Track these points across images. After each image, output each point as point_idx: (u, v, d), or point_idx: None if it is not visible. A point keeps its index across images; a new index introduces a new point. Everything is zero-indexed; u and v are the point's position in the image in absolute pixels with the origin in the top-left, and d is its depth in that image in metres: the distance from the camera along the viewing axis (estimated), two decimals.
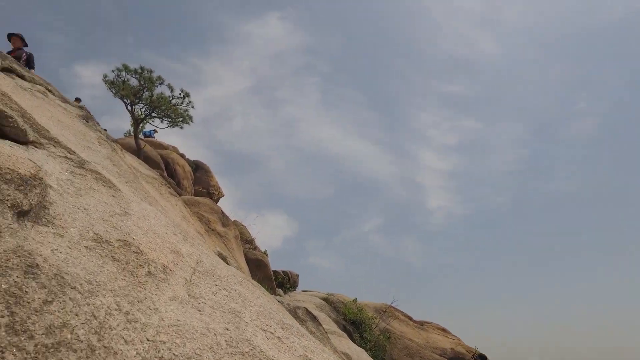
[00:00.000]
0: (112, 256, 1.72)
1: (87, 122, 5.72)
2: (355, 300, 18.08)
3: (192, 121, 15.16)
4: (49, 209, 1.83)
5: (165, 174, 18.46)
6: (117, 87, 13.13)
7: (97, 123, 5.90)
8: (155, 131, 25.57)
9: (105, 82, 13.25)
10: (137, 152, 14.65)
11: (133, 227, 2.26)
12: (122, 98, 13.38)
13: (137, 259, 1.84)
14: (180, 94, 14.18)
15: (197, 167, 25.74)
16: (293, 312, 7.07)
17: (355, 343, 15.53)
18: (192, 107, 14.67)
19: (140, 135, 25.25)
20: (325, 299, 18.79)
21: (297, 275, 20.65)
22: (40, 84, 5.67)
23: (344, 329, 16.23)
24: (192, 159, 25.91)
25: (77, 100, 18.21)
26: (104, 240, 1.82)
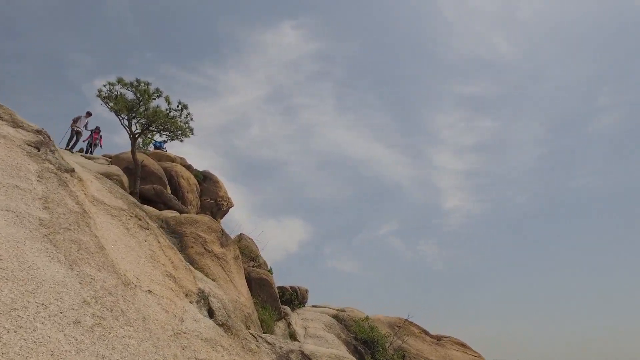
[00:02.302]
0: None
1: (39, 150, 5.02)
2: (367, 318, 17.08)
3: (192, 134, 14.50)
4: None
5: (167, 189, 17.88)
6: (112, 101, 12.58)
7: (52, 150, 5.18)
8: (165, 142, 25.15)
9: (100, 96, 12.72)
10: (135, 167, 14.07)
11: None
12: (116, 113, 12.80)
13: None
14: (178, 106, 13.54)
15: (205, 178, 25.20)
16: (285, 358, 6.22)
17: None
18: (192, 119, 14.00)
19: (151, 147, 24.84)
20: (336, 316, 17.87)
21: (307, 290, 19.75)
22: None
23: (355, 350, 15.30)
24: (201, 169, 25.36)
25: (88, 114, 17.76)
26: None
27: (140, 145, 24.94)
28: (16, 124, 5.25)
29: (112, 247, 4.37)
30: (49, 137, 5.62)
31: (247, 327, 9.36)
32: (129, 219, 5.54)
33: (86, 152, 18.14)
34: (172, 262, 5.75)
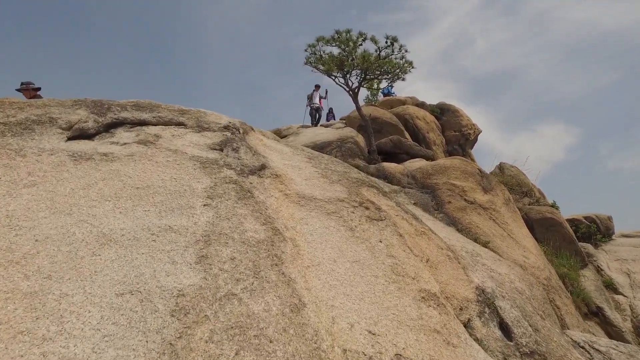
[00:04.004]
0: None
1: (222, 150, 3.90)
2: None
3: (412, 67, 12.24)
4: None
5: (406, 136, 16.36)
6: (319, 63, 11.67)
7: (236, 149, 3.99)
8: (392, 86, 23.67)
9: (308, 63, 11.99)
10: (365, 123, 12.98)
11: None
12: (328, 74, 11.83)
13: None
14: (386, 43, 11.49)
15: (443, 111, 22.59)
16: None
17: None
18: (406, 52, 11.71)
19: (380, 96, 23.91)
20: None
21: (609, 218, 14.67)
22: (162, 123, 4.17)
23: None
24: (434, 102, 22.88)
25: (317, 87, 17.80)
26: None
27: (370, 98, 24.33)
28: (201, 128, 4.34)
29: (336, 279, 2.75)
30: (237, 129, 4.54)
31: (552, 302, 6.74)
32: (352, 212, 3.91)
33: (326, 120, 18.47)
34: (428, 260, 3.85)
